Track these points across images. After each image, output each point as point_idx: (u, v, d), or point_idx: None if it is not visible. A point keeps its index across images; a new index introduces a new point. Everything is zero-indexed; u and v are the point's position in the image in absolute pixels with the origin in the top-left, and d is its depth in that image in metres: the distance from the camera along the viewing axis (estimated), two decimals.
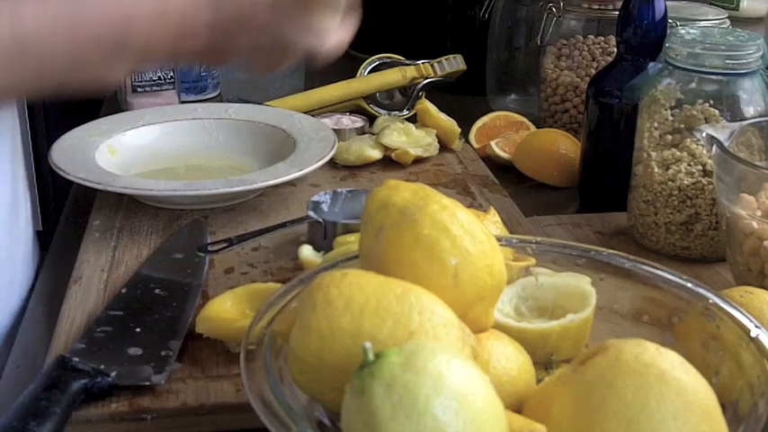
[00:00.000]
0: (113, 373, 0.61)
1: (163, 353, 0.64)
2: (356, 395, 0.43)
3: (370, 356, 0.43)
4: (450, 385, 0.42)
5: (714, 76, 0.78)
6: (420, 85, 1.15)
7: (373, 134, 1.05)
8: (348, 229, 0.77)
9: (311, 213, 0.80)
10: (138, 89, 1.12)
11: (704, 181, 0.79)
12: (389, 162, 1.02)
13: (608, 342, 0.48)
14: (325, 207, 0.82)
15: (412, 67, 1.16)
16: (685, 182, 0.80)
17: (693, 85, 0.79)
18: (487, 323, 0.54)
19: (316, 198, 0.83)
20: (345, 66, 1.31)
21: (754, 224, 0.69)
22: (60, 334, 0.68)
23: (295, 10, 0.62)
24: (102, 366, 0.61)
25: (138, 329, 0.67)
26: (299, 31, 0.62)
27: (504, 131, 1.11)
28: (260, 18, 0.61)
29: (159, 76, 1.13)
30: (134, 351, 0.64)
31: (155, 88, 1.13)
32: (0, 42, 0.54)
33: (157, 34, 0.59)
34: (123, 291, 0.72)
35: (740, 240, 0.70)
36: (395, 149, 1.01)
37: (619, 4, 0.92)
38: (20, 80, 0.57)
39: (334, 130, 1.00)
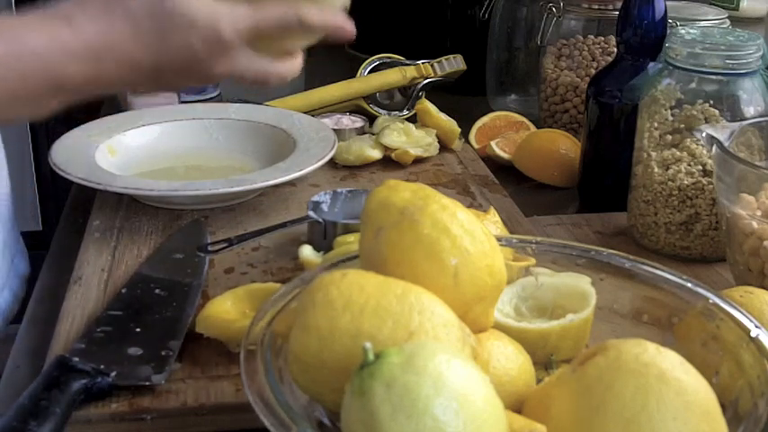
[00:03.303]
0: (113, 373, 0.61)
1: (163, 353, 0.64)
2: (356, 395, 0.43)
3: (370, 356, 0.43)
4: (450, 385, 0.42)
5: (714, 76, 0.78)
6: (420, 85, 1.15)
7: (373, 134, 1.05)
8: (348, 229, 0.77)
9: (311, 213, 0.80)
10: None
11: (704, 181, 0.79)
12: (389, 162, 1.02)
13: (608, 342, 0.48)
14: (325, 207, 0.82)
15: (412, 67, 1.16)
16: (685, 182, 0.80)
17: (693, 85, 0.79)
18: (487, 323, 0.54)
19: (316, 198, 0.83)
20: (345, 66, 1.31)
21: (754, 224, 0.69)
22: (60, 334, 0.68)
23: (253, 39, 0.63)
24: (102, 366, 0.61)
25: (138, 329, 0.67)
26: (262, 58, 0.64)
27: (504, 131, 1.11)
28: (218, 50, 0.62)
29: None
30: (134, 351, 0.64)
31: None
32: None
33: (93, 76, 0.60)
34: (123, 291, 0.72)
35: (740, 240, 0.70)
36: (395, 149, 1.01)
37: (619, 4, 0.92)
38: None
39: (334, 130, 1.00)
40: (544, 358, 0.58)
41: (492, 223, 0.73)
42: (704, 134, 0.72)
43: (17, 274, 0.92)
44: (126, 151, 0.97)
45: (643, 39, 0.89)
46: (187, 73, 0.63)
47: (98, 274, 0.77)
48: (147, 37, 0.60)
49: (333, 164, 0.99)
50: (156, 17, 0.60)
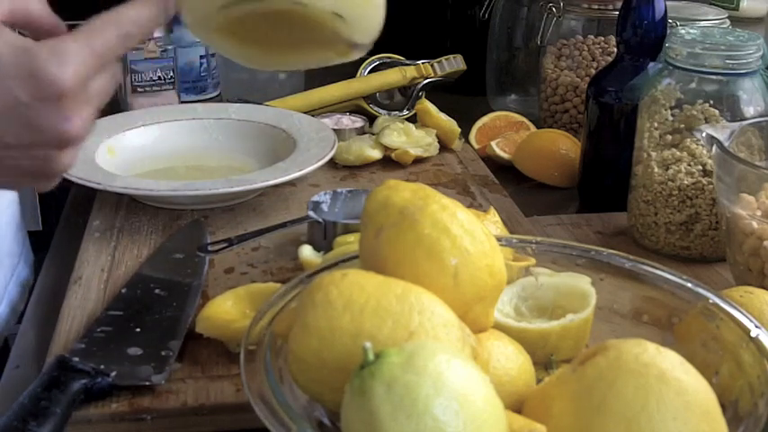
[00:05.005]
0: (113, 373, 0.61)
1: (163, 353, 0.64)
2: (356, 395, 0.43)
3: (370, 356, 0.43)
4: (450, 385, 0.42)
5: (714, 76, 0.78)
6: (420, 85, 1.15)
7: (373, 134, 1.05)
8: (348, 229, 0.77)
9: (311, 213, 0.80)
10: (138, 89, 1.12)
11: (704, 181, 0.79)
12: (389, 162, 1.02)
13: (608, 342, 0.48)
14: (325, 207, 0.82)
15: (412, 67, 1.16)
16: (685, 182, 0.80)
17: (693, 85, 0.79)
18: (487, 323, 0.54)
19: (316, 198, 0.83)
20: (345, 66, 1.31)
21: (754, 224, 0.69)
22: (60, 334, 0.68)
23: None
24: (102, 366, 0.61)
25: (138, 329, 0.67)
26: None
27: (504, 131, 1.11)
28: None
29: (159, 76, 1.13)
30: (134, 351, 0.64)
31: (155, 88, 1.13)
32: None
33: None
34: (123, 291, 0.72)
35: (740, 240, 0.70)
36: (395, 149, 1.01)
37: (619, 4, 0.92)
38: None
39: (334, 130, 1.00)
40: (544, 358, 0.58)
41: (492, 223, 0.73)
42: (704, 134, 0.72)
43: (18, 281, 0.91)
44: (126, 151, 0.97)
45: (643, 39, 0.89)
46: (18, 132, 0.51)
47: (98, 274, 0.77)
48: None
49: (333, 164, 0.99)
50: None
